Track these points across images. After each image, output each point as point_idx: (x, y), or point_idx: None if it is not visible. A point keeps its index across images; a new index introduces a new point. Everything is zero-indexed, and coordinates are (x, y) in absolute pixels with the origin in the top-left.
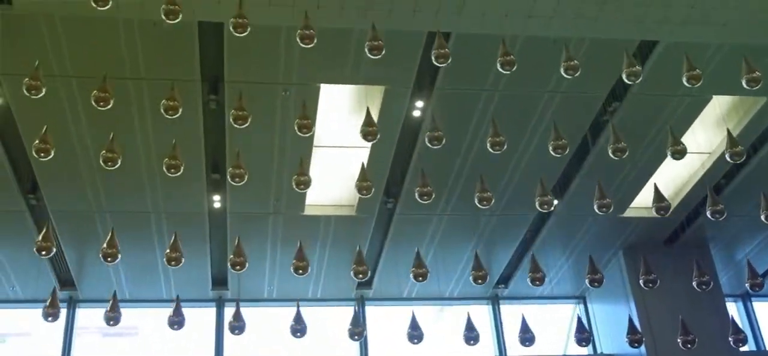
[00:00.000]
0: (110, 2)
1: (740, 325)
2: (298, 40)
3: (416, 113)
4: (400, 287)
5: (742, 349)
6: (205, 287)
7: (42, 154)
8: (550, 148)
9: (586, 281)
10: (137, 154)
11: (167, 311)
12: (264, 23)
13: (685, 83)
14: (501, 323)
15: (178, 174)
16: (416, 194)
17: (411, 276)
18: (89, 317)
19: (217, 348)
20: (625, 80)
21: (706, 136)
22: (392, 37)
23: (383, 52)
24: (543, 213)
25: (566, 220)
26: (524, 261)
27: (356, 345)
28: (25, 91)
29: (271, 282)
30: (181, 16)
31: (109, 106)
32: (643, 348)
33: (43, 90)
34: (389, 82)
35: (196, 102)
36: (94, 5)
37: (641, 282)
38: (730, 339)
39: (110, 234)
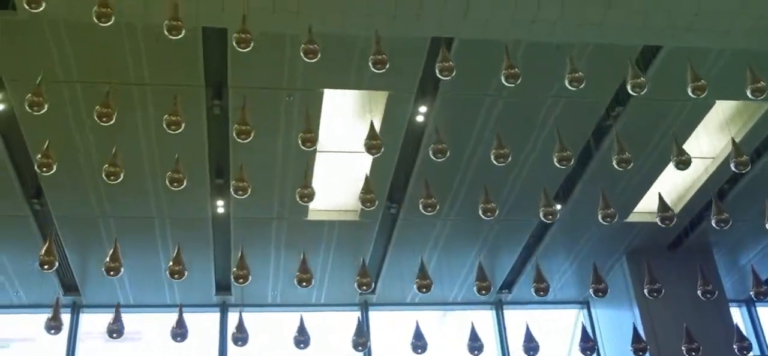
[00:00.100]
0: (112, 18)
1: (744, 332)
2: (302, 54)
3: (420, 118)
4: (403, 292)
5: None
6: (208, 292)
7: (44, 169)
8: (555, 160)
9: (591, 290)
10: (141, 159)
11: (171, 316)
12: (268, 30)
13: (690, 94)
14: (504, 328)
15: (181, 187)
16: (420, 205)
17: (415, 287)
18: (93, 322)
19: (220, 354)
20: (631, 92)
21: (710, 141)
22: (396, 43)
23: (387, 65)
24: None
25: (569, 226)
26: (528, 266)
27: (360, 354)
28: (27, 108)
29: (274, 287)
30: (183, 31)
31: (112, 122)
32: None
33: (46, 106)
34: (393, 87)
35: (199, 107)
36: (96, 21)
37: (646, 291)
38: (734, 346)
39: (114, 247)
